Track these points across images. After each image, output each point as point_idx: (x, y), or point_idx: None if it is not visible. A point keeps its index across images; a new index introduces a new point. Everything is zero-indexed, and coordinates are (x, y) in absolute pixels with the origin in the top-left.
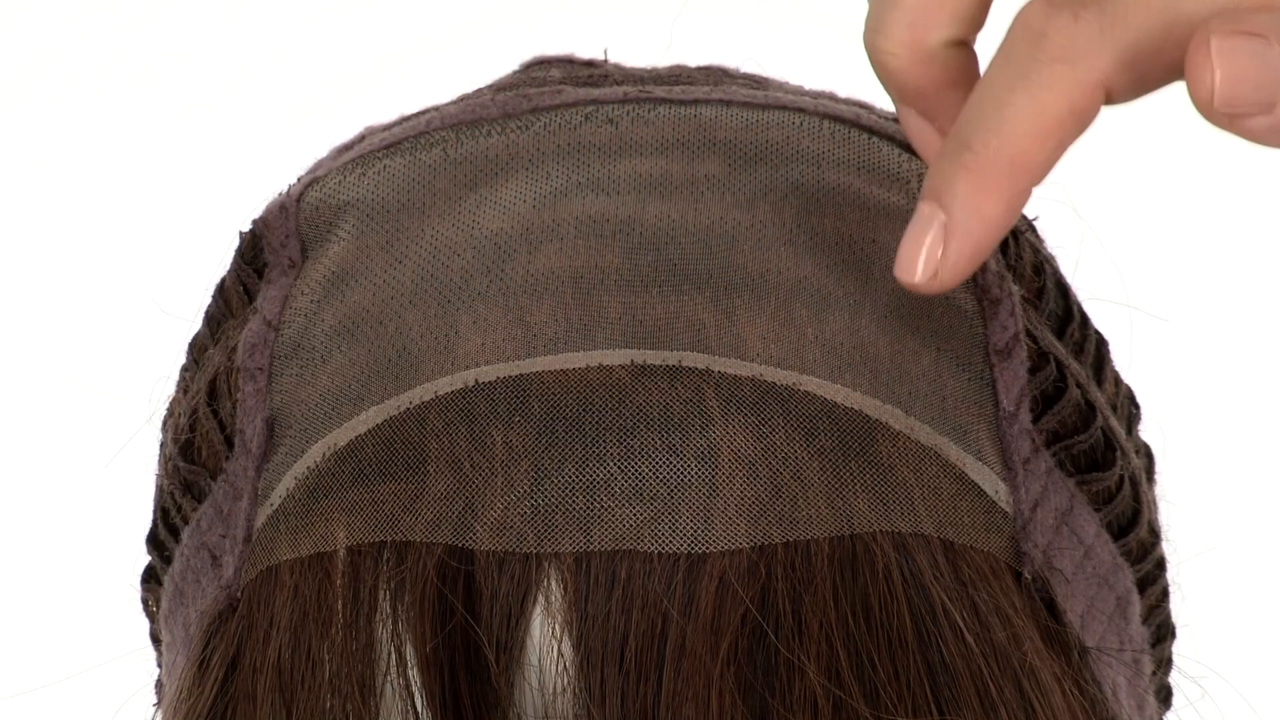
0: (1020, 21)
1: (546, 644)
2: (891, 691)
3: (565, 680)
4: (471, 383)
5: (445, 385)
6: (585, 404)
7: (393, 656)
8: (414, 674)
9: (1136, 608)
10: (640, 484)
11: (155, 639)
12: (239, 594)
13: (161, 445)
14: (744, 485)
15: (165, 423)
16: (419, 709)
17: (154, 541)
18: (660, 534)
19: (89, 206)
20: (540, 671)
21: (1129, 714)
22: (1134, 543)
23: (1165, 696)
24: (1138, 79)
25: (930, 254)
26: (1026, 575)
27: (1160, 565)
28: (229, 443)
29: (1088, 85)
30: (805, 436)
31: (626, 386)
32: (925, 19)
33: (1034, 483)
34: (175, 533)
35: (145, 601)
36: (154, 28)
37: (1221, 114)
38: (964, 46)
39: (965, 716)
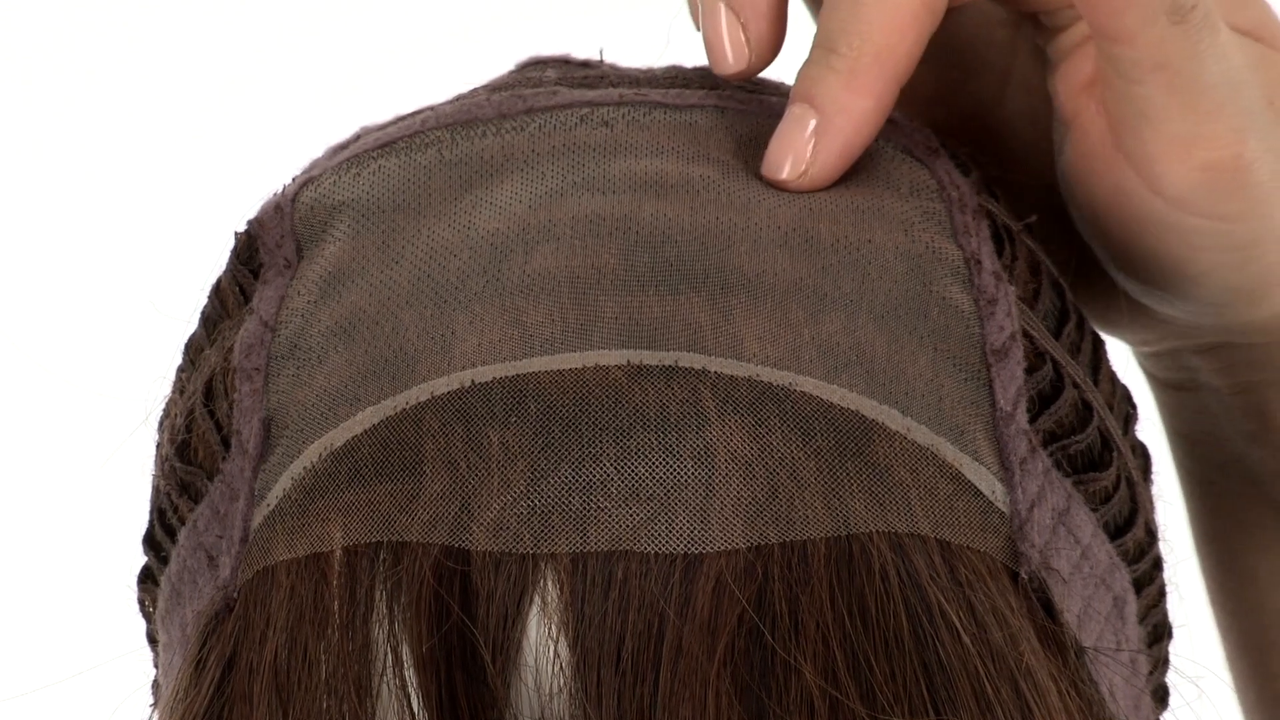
0: None
1: (543, 644)
2: (888, 692)
3: (561, 681)
4: (468, 383)
5: (442, 386)
6: (581, 404)
7: (389, 657)
8: (410, 674)
9: (1133, 607)
10: (637, 484)
11: (152, 639)
12: (235, 594)
13: (158, 446)
14: (740, 486)
15: (161, 423)
16: (415, 709)
17: (150, 542)
18: (657, 534)
19: (85, 208)
20: (536, 672)
21: (1125, 714)
22: (1131, 542)
23: (1162, 696)
24: None
25: (799, 152)
26: (1023, 575)
27: (1157, 565)
28: (225, 443)
29: None
30: (802, 437)
31: (623, 387)
32: None
33: (1031, 483)
34: (172, 533)
35: (142, 602)
36: (150, 30)
37: None
38: None
39: (962, 717)
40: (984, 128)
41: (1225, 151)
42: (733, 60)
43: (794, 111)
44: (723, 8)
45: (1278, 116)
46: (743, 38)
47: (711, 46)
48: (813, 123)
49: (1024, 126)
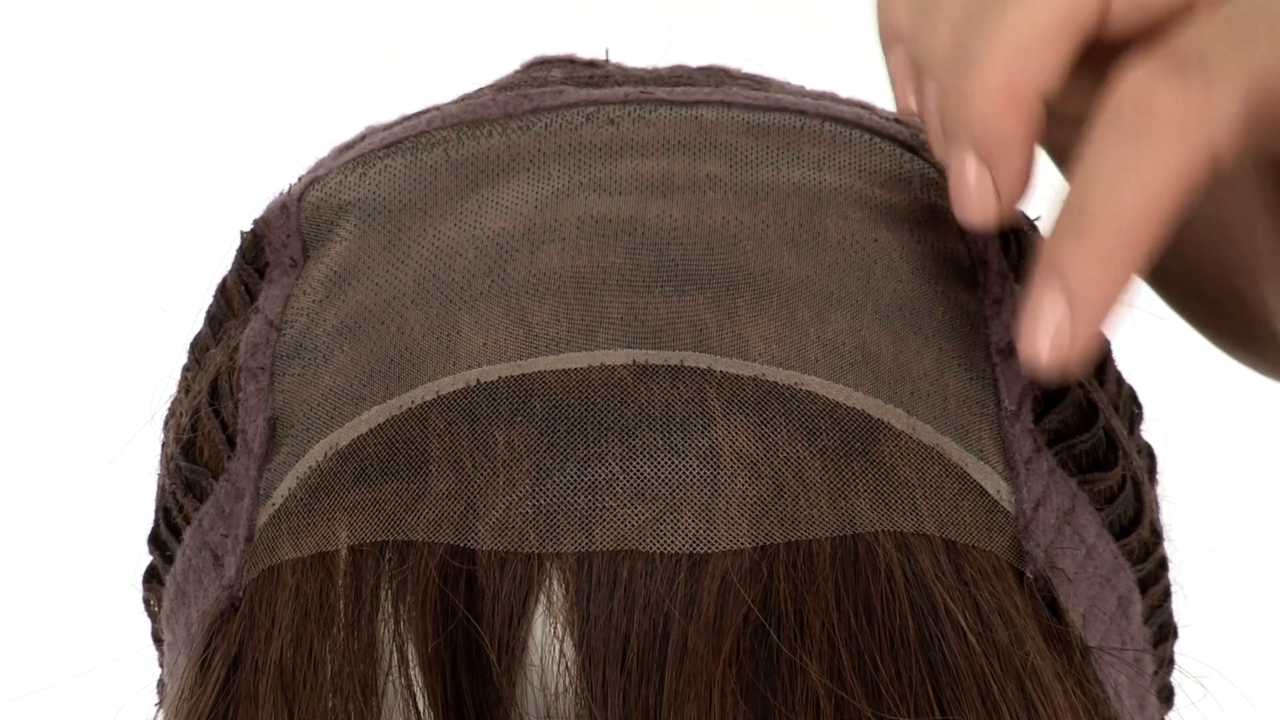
0: (1127, 92)
1: (548, 644)
2: (894, 691)
3: (567, 680)
4: (473, 382)
5: (447, 385)
6: (587, 404)
7: (395, 656)
8: (416, 674)
9: (1138, 607)
10: (642, 484)
11: (157, 639)
12: (241, 593)
13: (163, 445)
14: (746, 485)
15: (167, 422)
16: (421, 709)
17: (156, 541)
18: (662, 534)
19: (90, 207)
20: (542, 671)
21: (1130, 713)
22: (1136, 542)
23: (1167, 696)
24: (1245, 143)
25: (1059, 333)
26: (1028, 575)
27: (1162, 565)
28: (231, 442)
29: (1202, 154)
30: (807, 436)
31: (628, 386)
32: (1024, 64)
33: (1036, 482)
34: (177, 532)
35: (147, 601)
36: (154, 29)
37: None
38: (1042, 103)
39: (968, 716)
40: None
41: None
42: (978, 212)
43: (1045, 290)
44: (972, 159)
45: None
46: (992, 188)
47: (957, 192)
48: (1063, 300)
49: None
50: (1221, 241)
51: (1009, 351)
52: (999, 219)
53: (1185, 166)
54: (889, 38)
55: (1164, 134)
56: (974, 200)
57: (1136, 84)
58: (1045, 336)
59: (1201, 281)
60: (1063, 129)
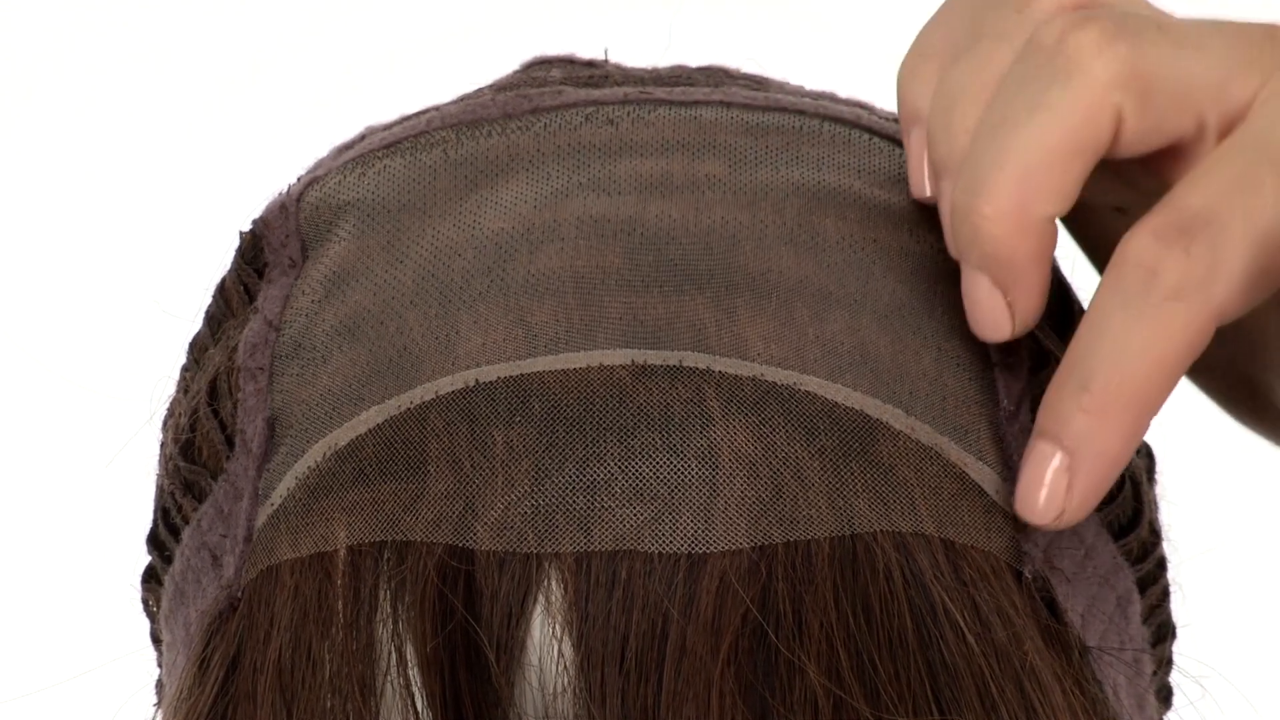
0: (1129, 257)
1: (547, 644)
2: (892, 691)
3: (565, 680)
4: (472, 383)
5: (446, 385)
6: (586, 404)
7: (393, 656)
8: (414, 674)
9: (1137, 607)
10: (641, 484)
11: (156, 639)
12: (239, 594)
13: (162, 445)
14: (744, 485)
15: (166, 423)
16: (419, 709)
17: (154, 541)
18: (661, 534)
19: (89, 207)
20: (541, 671)
21: (1129, 713)
22: (1134, 543)
23: (1166, 696)
24: (1250, 298)
25: (1054, 493)
26: (1027, 574)
27: (1161, 565)
28: (230, 442)
29: (1205, 319)
30: (806, 436)
31: (627, 386)
32: (1033, 188)
33: None
34: (176, 533)
35: (145, 601)
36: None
37: None
38: (1054, 221)
39: (966, 716)
40: None
41: None
42: (991, 330)
43: (1041, 450)
44: (984, 280)
45: None
46: (1004, 307)
47: (970, 309)
48: (1060, 460)
49: None
50: (1233, 336)
51: (1007, 351)
52: (1012, 336)
53: (1190, 334)
54: (909, 118)
55: (1169, 302)
56: (987, 319)
57: (1141, 249)
58: (1039, 495)
59: (1211, 366)
60: (1092, 218)
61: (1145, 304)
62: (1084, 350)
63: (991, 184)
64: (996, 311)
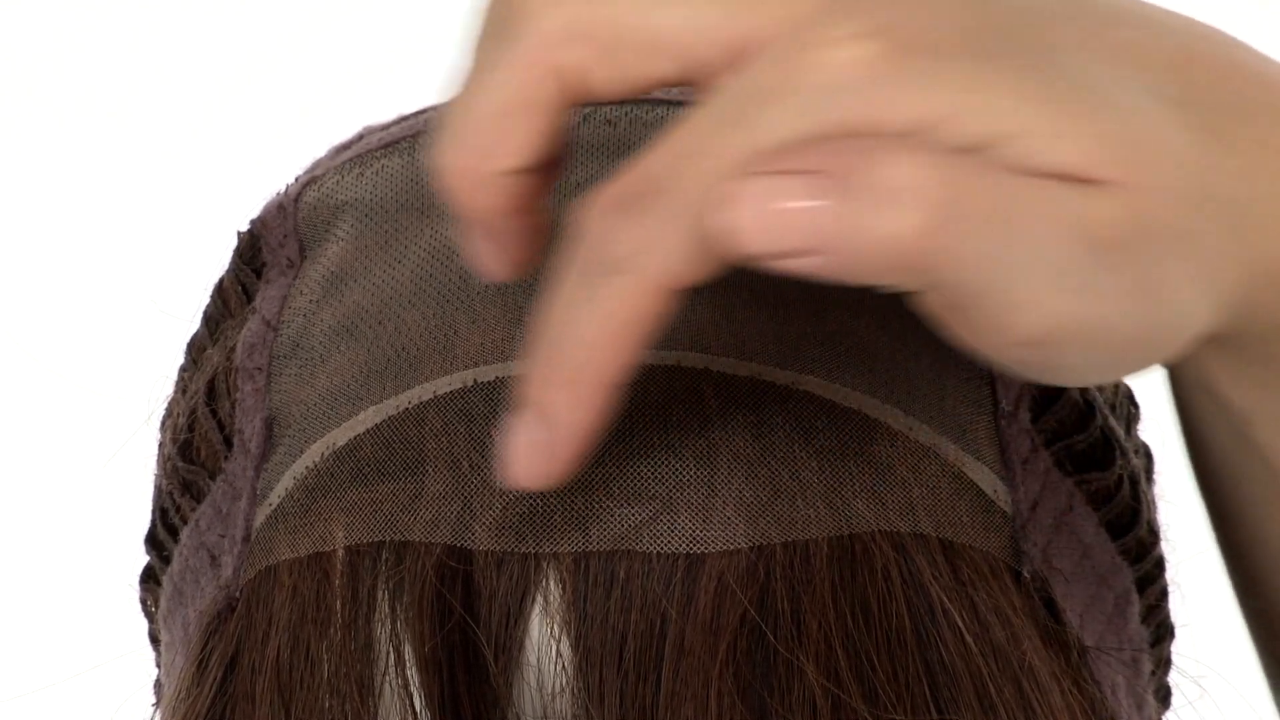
0: (582, 227)
1: (545, 644)
2: (890, 691)
3: (564, 680)
4: (470, 382)
5: (444, 385)
6: None
7: (391, 656)
8: (413, 674)
9: (1135, 607)
10: (639, 484)
11: (154, 639)
12: (238, 594)
13: (160, 445)
14: (742, 485)
15: (164, 423)
16: (418, 709)
17: (152, 541)
18: (659, 534)
19: (88, 207)
20: (539, 671)
21: (1128, 713)
22: (1133, 542)
23: (1164, 696)
24: (708, 261)
25: (533, 459)
26: (1025, 574)
27: (1159, 565)
28: (228, 442)
29: (649, 289)
30: (804, 436)
31: (624, 386)
32: (488, 149)
33: (1033, 482)
34: (174, 533)
35: (144, 601)
36: (154, 29)
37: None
38: (529, 174)
39: (964, 716)
40: None
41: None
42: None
43: (524, 418)
44: (541, 431)
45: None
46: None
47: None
48: (541, 429)
49: None
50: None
51: None
52: (509, 278)
53: (633, 302)
54: None
55: (612, 273)
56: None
57: (587, 219)
58: (523, 461)
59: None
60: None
61: (589, 276)
62: (545, 324)
63: (451, 144)
64: (484, 258)
